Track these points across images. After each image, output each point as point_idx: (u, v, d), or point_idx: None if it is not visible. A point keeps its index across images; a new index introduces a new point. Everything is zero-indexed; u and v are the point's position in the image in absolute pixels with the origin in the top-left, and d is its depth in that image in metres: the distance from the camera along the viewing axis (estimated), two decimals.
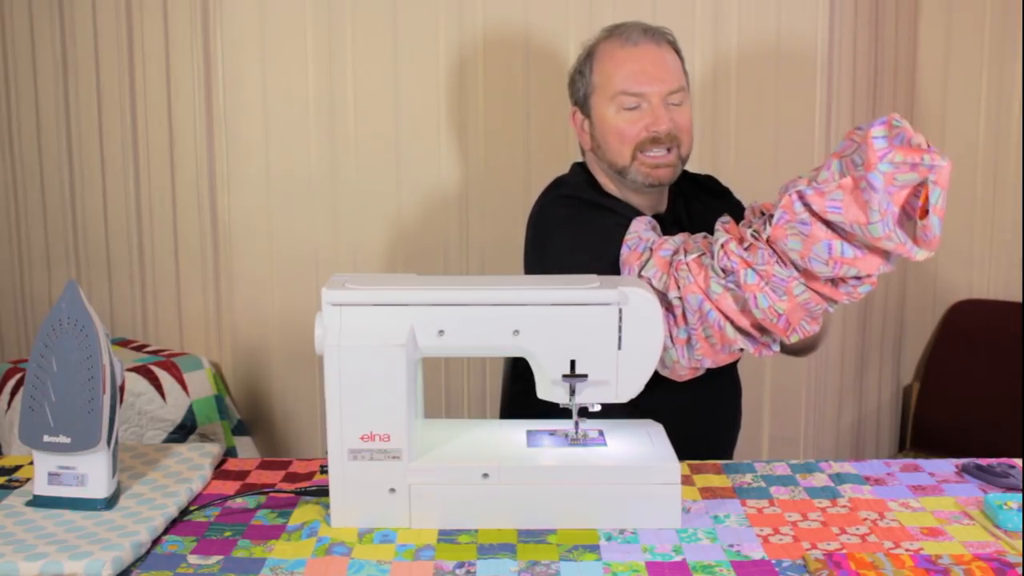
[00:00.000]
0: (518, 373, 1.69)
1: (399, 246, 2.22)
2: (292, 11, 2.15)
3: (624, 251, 1.39)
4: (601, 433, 1.26)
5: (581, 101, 1.62)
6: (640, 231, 1.41)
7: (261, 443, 2.33)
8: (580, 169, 1.69)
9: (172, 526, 1.17)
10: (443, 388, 2.27)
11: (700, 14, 2.10)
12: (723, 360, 1.33)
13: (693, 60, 2.07)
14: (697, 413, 1.60)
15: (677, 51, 1.60)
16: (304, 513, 1.19)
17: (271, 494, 1.25)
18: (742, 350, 1.31)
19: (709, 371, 1.60)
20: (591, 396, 1.20)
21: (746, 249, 1.24)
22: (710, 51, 2.11)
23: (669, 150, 1.55)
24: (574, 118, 1.65)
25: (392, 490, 1.15)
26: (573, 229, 1.54)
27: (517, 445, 1.23)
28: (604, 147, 1.58)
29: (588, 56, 1.61)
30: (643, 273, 1.33)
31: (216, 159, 2.21)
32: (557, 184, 1.66)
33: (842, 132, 2.15)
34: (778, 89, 2.13)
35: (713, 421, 1.68)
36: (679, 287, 1.28)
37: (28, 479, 1.28)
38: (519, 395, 1.70)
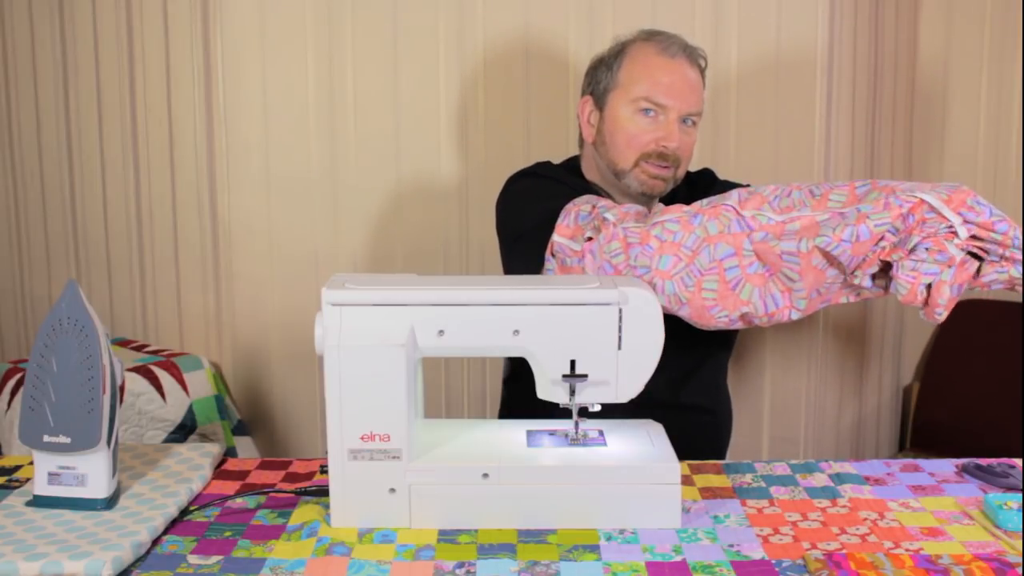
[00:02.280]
0: (517, 373, 1.69)
1: (399, 246, 2.22)
2: (292, 11, 2.15)
3: (569, 204, 1.39)
4: (601, 433, 1.26)
5: (599, 93, 1.61)
6: (591, 198, 1.42)
7: (261, 443, 2.33)
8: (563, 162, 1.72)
9: (172, 526, 1.17)
10: (443, 388, 2.27)
11: (700, 16, 2.10)
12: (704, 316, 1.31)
13: None
14: (684, 410, 1.61)
15: (703, 77, 1.61)
16: (304, 513, 1.19)
17: (271, 494, 1.26)
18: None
19: (697, 370, 1.61)
20: (591, 396, 1.20)
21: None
22: (710, 53, 2.10)
23: (667, 167, 1.56)
24: (583, 108, 1.65)
25: (392, 490, 1.15)
26: (525, 194, 1.55)
27: (517, 445, 1.23)
28: (609, 145, 1.58)
29: (620, 52, 1.60)
30: (623, 210, 1.33)
31: (216, 159, 2.21)
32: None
33: (842, 132, 2.15)
34: (778, 90, 2.13)
35: (701, 420, 1.68)
36: (708, 229, 1.26)
37: (28, 479, 1.28)
38: (518, 395, 1.70)
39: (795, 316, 1.28)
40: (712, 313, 1.28)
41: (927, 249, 1.16)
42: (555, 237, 1.36)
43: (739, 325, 1.30)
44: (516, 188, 1.61)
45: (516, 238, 1.51)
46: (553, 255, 1.36)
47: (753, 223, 1.24)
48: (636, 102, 1.55)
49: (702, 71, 1.60)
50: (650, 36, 1.60)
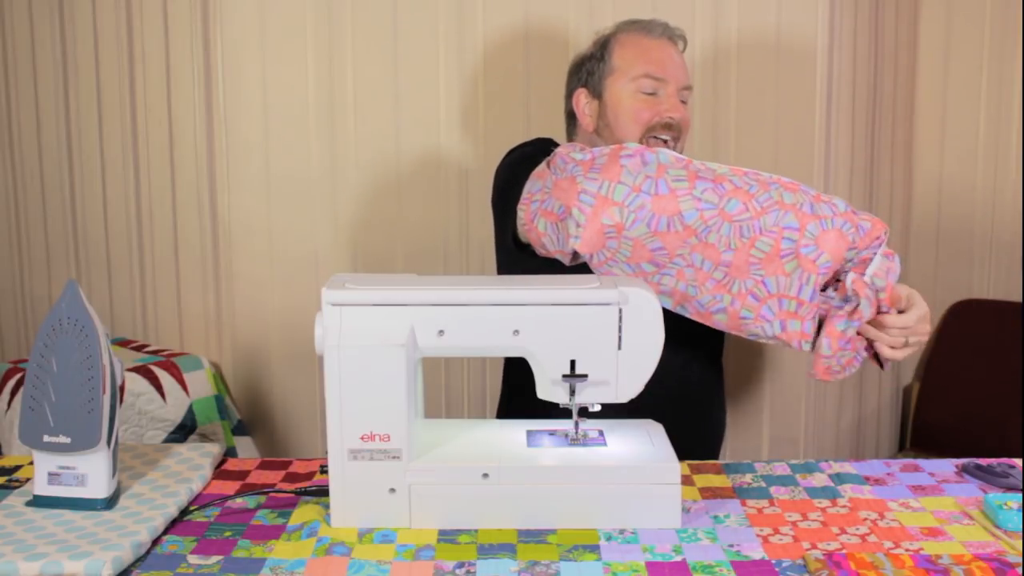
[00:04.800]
0: (516, 373, 1.69)
1: (399, 246, 2.22)
2: (292, 11, 2.15)
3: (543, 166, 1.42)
4: (601, 433, 1.26)
5: (594, 83, 1.64)
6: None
7: (261, 443, 2.33)
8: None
9: (172, 526, 1.17)
10: (443, 388, 2.27)
11: (700, 9, 2.10)
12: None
13: (693, 55, 2.07)
14: (675, 407, 1.60)
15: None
16: (304, 513, 1.19)
17: (271, 494, 1.26)
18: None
19: (690, 371, 1.61)
20: (591, 396, 1.20)
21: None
22: (710, 47, 2.11)
23: (667, 141, 1.59)
24: (578, 100, 1.66)
25: (392, 490, 1.15)
26: (519, 162, 1.58)
27: (517, 445, 1.23)
28: (613, 126, 1.61)
29: (606, 43, 1.65)
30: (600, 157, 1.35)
31: (216, 159, 2.21)
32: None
33: (842, 130, 2.15)
34: (778, 87, 2.13)
35: (691, 419, 1.68)
36: (784, 197, 1.31)
37: (28, 479, 1.28)
38: (518, 395, 1.70)
39: (802, 311, 1.30)
40: (751, 271, 1.29)
41: (835, 290, 1.28)
42: (558, 151, 1.40)
43: (766, 320, 1.33)
44: (512, 157, 1.64)
45: (500, 193, 1.56)
46: (549, 167, 1.40)
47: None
48: (637, 81, 1.59)
49: (681, 52, 1.67)
50: (631, 23, 1.66)
